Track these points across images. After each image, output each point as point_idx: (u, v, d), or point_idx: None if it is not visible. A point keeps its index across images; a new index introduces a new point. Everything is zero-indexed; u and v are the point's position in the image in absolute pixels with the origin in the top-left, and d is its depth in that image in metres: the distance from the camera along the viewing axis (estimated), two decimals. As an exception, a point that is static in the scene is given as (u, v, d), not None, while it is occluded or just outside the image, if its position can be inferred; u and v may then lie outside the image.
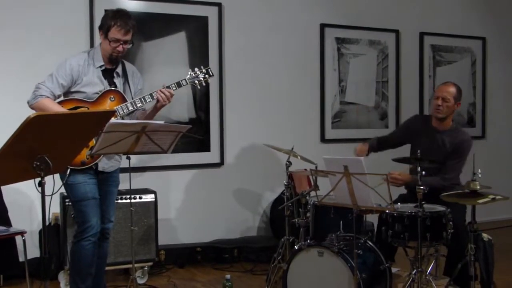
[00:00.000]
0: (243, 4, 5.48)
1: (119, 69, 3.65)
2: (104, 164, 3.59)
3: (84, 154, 3.44)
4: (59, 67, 3.50)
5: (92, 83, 3.52)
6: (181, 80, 3.66)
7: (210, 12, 5.30)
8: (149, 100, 3.58)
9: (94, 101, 3.51)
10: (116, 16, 3.50)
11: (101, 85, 3.55)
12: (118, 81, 3.64)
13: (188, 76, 3.70)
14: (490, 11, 6.85)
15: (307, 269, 3.55)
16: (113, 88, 3.58)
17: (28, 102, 3.45)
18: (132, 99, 3.60)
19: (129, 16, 3.55)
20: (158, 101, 3.57)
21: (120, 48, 3.51)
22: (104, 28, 3.51)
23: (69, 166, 3.40)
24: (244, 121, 5.50)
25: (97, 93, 3.52)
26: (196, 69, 3.74)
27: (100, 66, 3.56)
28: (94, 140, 3.27)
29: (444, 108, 4.02)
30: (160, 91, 3.55)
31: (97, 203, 3.56)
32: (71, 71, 3.48)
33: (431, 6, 6.45)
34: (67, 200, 4.10)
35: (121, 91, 3.61)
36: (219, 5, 5.33)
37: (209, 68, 3.78)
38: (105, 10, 4.75)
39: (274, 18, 5.63)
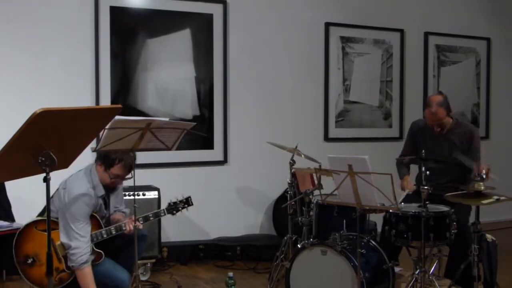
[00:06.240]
0: (248, 2, 5.48)
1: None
2: None
3: None
4: (77, 215, 3.28)
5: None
6: (160, 211, 3.61)
7: (215, 10, 5.30)
8: (124, 228, 3.45)
9: None
10: (121, 152, 3.32)
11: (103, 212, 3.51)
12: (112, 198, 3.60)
13: (167, 206, 3.64)
14: (495, 11, 6.83)
15: (310, 268, 3.55)
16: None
17: (72, 267, 3.32)
18: (110, 215, 3.58)
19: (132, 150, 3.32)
20: (124, 231, 3.46)
21: (120, 183, 3.49)
22: (107, 163, 3.40)
23: None
24: (248, 119, 5.50)
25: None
26: (176, 198, 3.65)
27: (101, 196, 3.48)
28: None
29: (445, 128, 4.06)
30: (129, 223, 3.44)
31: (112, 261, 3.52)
32: (89, 207, 3.37)
33: (436, 6, 6.44)
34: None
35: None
36: (224, 2, 5.32)
37: (190, 197, 3.71)
38: (110, 7, 4.81)
39: (279, 16, 5.62)
